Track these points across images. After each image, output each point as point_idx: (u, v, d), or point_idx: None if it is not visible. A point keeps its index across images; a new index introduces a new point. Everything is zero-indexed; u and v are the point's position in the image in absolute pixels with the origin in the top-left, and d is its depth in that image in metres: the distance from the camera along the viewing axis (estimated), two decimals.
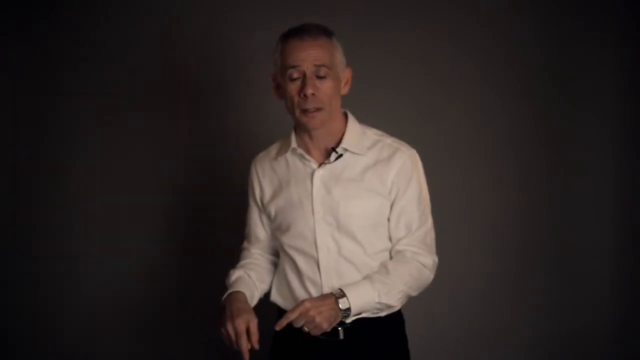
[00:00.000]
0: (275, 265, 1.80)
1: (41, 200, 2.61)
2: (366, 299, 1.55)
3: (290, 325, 1.64)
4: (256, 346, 1.52)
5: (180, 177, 2.60)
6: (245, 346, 1.50)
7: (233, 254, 1.86)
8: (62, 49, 2.59)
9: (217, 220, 2.56)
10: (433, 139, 2.49)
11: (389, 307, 1.61)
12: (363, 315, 1.60)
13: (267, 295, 1.76)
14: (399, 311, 1.72)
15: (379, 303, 1.57)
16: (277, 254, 1.79)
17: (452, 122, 2.56)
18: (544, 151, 2.58)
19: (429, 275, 1.66)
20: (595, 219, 2.58)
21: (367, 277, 1.60)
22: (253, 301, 1.68)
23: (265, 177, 1.75)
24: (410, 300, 1.74)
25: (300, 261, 1.66)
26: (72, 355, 2.61)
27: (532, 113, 2.58)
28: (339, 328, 1.62)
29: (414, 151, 1.70)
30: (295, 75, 1.60)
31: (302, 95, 1.59)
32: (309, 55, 1.58)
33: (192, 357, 2.62)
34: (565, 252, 2.60)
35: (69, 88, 2.59)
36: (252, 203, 1.81)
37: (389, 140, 1.70)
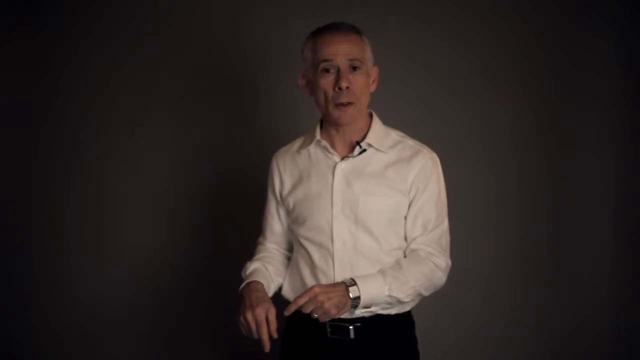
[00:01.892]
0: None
1: (41, 201, 2.61)
2: (376, 291, 1.55)
3: (300, 324, 1.66)
4: (275, 335, 1.52)
5: (184, 178, 2.60)
6: (266, 335, 1.51)
7: (238, 255, 1.86)
8: (62, 46, 2.59)
9: (222, 221, 2.56)
10: (433, 138, 2.47)
11: (400, 302, 1.61)
12: (373, 309, 1.59)
13: (277, 292, 1.76)
14: (409, 312, 1.73)
15: (389, 296, 1.56)
16: (292, 250, 1.79)
17: (452, 122, 2.56)
18: (544, 151, 2.58)
19: (441, 277, 1.67)
20: (595, 219, 2.58)
21: (379, 271, 1.60)
22: (269, 293, 1.68)
23: (286, 170, 1.76)
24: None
25: (315, 253, 1.67)
26: (72, 356, 2.62)
27: (532, 113, 2.58)
28: (350, 327, 1.63)
29: (435, 154, 1.73)
30: (329, 69, 1.61)
31: (337, 89, 1.60)
32: (343, 49, 1.60)
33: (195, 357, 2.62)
34: (565, 252, 2.60)
35: (69, 86, 2.59)
36: (270, 196, 1.82)
37: (411, 142, 1.72)
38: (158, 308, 2.59)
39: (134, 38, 2.57)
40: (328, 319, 1.51)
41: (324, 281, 1.64)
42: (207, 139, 2.59)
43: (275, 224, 1.81)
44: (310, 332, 1.67)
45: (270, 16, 2.53)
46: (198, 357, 2.61)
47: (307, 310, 1.49)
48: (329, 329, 1.64)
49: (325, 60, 1.61)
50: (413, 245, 1.66)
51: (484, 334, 2.58)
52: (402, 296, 1.58)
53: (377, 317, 1.63)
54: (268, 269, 1.74)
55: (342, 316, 1.61)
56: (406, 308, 1.68)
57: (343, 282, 1.54)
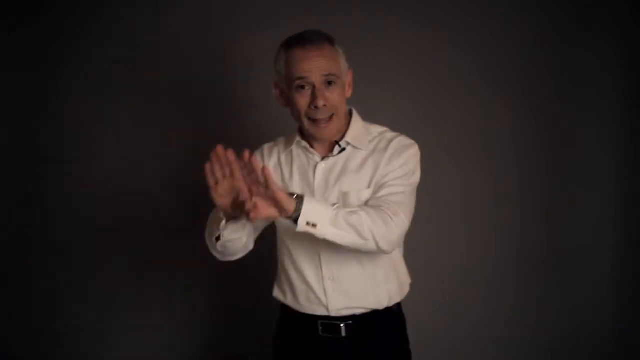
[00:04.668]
0: (251, 239, 1.73)
1: (41, 200, 2.61)
2: (321, 206, 1.46)
3: (292, 324, 1.70)
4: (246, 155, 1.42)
5: (181, 177, 2.59)
6: (239, 173, 1.41)
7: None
8: (62, 46, 2.59)
9: None
10: (433, 138, 2.49)
11: (353, 231, 1.47)
12: (320, 229, 1.46)
13: (269, 293, 1.76)
14: (401, 311, 1.73)
15: (335, 210, 1.46)
16: (249, 237, 1.71)
17: (452, 122, 2.57)
18: (544, 151, 2.58)
19: (394, 228, 1.53)
20: (596, 219, 2.58)
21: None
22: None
23: (270, 165, 1.75)
24: (409, 299, 1.74)
25: (301, 253, 1.67)
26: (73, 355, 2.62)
27: (532, 113, 2.58)
28: (341, 325, 1.63)
29: (413, 142, 1.68)
30: (304, 86, 1.59)
31: (312, 107, 1.59)
32: (317, 66, 1.58)
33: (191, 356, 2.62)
34: (565, 252, 2.60)
35: (69, 86, 2.59)
36: None
37: (390, 135, 1.71)
38: (156, 310, 2.59)
39: (134, 38, 2.57)
40: (258, 211, 1.39)
41: (312, 280, 1.64)
42: (207, 139, 2.58)
43: None
44: (301, 331, 1.68)
45: (270, 16, 2.52)
46: (195, 357, 2.61)
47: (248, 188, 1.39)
48: (320, 328, 1.65)
49: (300, 78, 1.58)
50: (371, 202, 1.58)
51: (484, 334, 2.58)
52: (350, 219, 1.47)
53: (369, 316, 1.64)
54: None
55: (334, 314, 1.63)
56: (367, 244, 1.51)
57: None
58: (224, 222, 1.54)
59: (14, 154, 2.60)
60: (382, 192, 1.59)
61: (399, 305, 1.73)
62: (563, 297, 2.59)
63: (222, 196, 1.48)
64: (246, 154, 1.42)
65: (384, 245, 1.52)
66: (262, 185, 1.39)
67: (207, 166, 1.45)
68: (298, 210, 1.42)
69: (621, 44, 2.54)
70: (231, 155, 1.42)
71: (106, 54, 2.57)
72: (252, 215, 1.39)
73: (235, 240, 1.61)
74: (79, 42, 2.58)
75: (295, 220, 1.44)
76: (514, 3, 2.56)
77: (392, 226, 1.52)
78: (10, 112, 2.60)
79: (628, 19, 2.53)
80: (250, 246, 1.72)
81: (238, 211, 1.49)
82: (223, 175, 1.45)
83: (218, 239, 1.58)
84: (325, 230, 1.45)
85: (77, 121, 2.59)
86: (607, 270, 2.59)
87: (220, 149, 1.43)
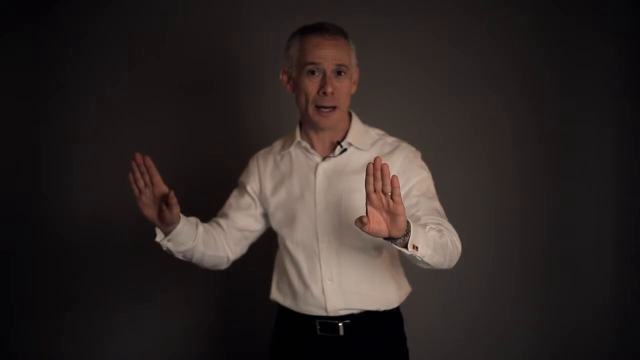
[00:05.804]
0: (229, 247, 1.76)
1: (41, 200, 2.60)
2: (420, 228, 1.44)
3: (289, 322, 1.69)
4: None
5: (181, 177, 2.59)
6: (158, 178, 1.50)
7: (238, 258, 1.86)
8: (62, 46, 2.59)
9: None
10: (433, 138, 2.49)
11: (440, 252, 1.49)
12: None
13: (268, 294, 1.76)
14: (398, 309, 1.74)
15: (429, 230, 1.46)
16: (236, 245, 1.77)
17: (452, 122, 2.57)
18: (544, 151, 2.58)
19: (459, 247, 1.61)
20: (596, 219, 2.59)
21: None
22: (192, 230, 1.63)
23: (266, 171, 1.76)
24: (409, 299, 1.75)
25: (301, 254, 1.67)
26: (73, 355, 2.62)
27: (532, 113, 2.58)
28: (339, 324, 1.64)
29: (414, 148, 1.72)
30: (314, 72, 1.62)
31: (321, 93, 1.61)
32: (330, 54, 1.61)
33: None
34: (565, 252, 2.60)
35: (69, 86, 2.58)
36: (244, 193, 1.80)
37: (390, 139, 1.72)
38: (156, 310, 2.60)
39: (134, 38, 2.56)
40: (370, 224, 1.33)
41: (310, 281, 1.65)
42: (208, 138, 2.58)
43: (239, 217, 1.77)
44: (299, 329, 1.68)
45: (270, 16, 2.53)
46: (192, 357, 2.61)
47: (377, 187, 1.33)
48: (318, 327, 1.65)
49: (313, 64, 1.61)
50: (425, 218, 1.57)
51: (484, 334, 2.58)
52: (440, 241, 1.48)
53: (366, 315, 1.65)
54: (199, 226, 1.68)
55: (332, 314, 1.64)
56: (443, 265, 1.55)
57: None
58: (158, 236, 1.59)
59: (14, 154, 2.60)
60: (424, 205, 1.58)
61: (397, 307, 1.74)
62: (563, 297, 2.59)
63: (147, 205, 1.52)
64: (137, 156, 1.47)
65: (452, 264, 1.58)
66: (388, 196, 1.32)
67: (130, 176, 1.49)
68: (408, 232, 1.39)
69: (621, 44, 2.54)
70: (148, 161, 1.48)
71: (106, 54, 2.57)
72: (362, 225, 1.33)
73: (190, 250, 1.65)
74: (79, 42, 2.58)
75: (393, 239, 1.39)
76: (514, 3, 2.56)
77: (458, 246, 1.58)
78: (10, 112, 2.60)
79: (628, 19, 2.53)
80: (232, 253, 1.76)
81: (167, 222, 1.54)
82: (145, 184, 1.50)
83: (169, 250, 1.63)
84: (424, 251, 1.43)
85: (77, 121, 2.59)
86: (607, 270, 2.59)
87: (137, 156, 1.47)
